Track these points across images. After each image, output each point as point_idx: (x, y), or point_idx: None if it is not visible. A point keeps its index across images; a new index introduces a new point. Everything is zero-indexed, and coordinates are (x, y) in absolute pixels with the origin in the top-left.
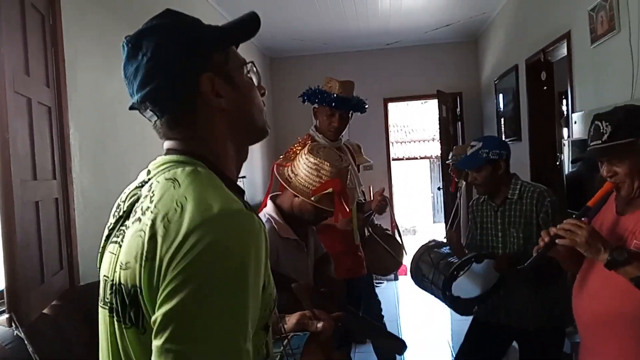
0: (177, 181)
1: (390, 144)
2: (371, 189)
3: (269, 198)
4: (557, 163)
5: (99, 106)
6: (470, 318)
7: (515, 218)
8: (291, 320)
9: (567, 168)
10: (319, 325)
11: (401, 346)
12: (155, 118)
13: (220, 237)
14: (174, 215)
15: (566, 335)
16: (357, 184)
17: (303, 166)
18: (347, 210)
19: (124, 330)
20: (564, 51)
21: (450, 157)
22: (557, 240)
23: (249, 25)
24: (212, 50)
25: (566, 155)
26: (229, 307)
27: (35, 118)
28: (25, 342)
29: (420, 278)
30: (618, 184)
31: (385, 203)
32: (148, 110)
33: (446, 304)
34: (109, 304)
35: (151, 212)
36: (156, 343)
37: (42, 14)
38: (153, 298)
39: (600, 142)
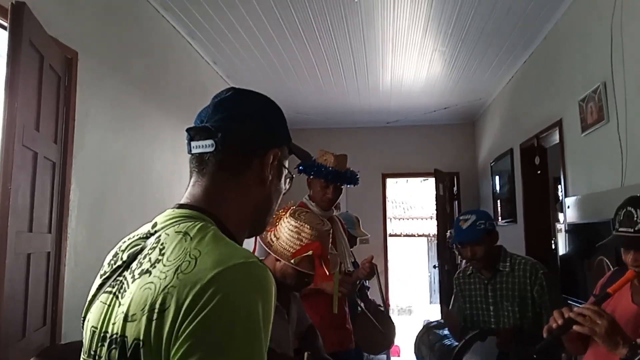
0: (189, 234)
1: (388, 220)
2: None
3: None
4: (553, 247)
5: (103, 165)
6: None
7: (508, 291)
8: None
9: (565, 248)
10: None
11: None
12: (211, 150)
13: (236, 289)
14: (188, 267)
15: None
16: (346, 254)
17: (285, 229)
18: (327, 274)
19: None
20: (556, 138)
21: (448, 234)
22: (575, 327)
23: (304, 154)
24: (287, 140)
25: (561, 239)
26: (246, 357)
27: (39, 172)
28: None
29: (420, 359)
30: None
31: (372, 269)
32: (210, 139)
33: None
34: (95, 358)
35: (163, 264)
36: None
37: (58, 75)
38: (158, 352)
39: (632, 230)
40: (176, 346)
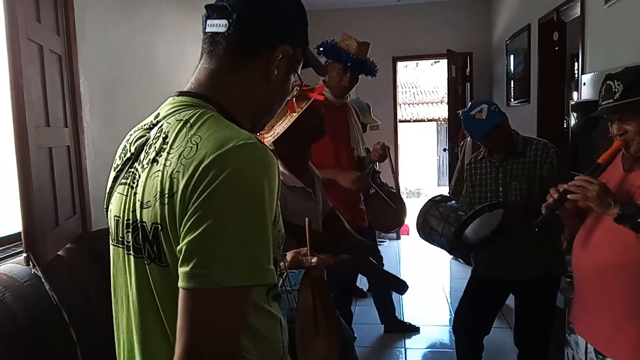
0: (189, 122)
1: (398, 105)
2: None
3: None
4: (565, 126)
5: (108, 56)
6: (469, 275)
7: (518, 171)
8: (286, 258)
9: (575, 126)
10: (313, 260)
11: (403, 285)
12: (224, 30)
13: (237, 167)
14: (190, 152)
15: (560, 291)
16: (360, 140)
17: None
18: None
19: (145, 266)
20: (577, 11)
21: (460, 113)
22: (568, 196)
23: (317, 64)
24: (304, 42)
25: (573, 117)
26: (251, 231)
27: (47, 66)
28: (42, 280)
29: (427, 231)
30: (627, 142)
31: (384, 152)
32: (224, 19)
33: (452, 254)
34: (124, 243)
35: (167, 152)
36: (183, 269)
37: None
38: (175, 232)
39: (612, 100)
40: (185, 219)
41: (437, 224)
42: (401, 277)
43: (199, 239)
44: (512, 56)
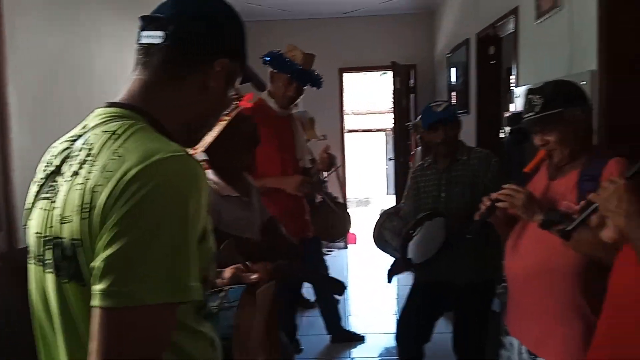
0: (116, 133)
1: (347, 115)
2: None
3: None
4: (502, 136)
5: (40, 65)
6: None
7: (462, 178)
8: (226, 274)
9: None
10: (253, 277)
11: (340, 286)
12: (159, 42)
13: (161, 181)
14: (113, 165)
15: (496, 295)
16: (305, 152)
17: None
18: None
19: (62, 285)
20: (512, 26)
21: (411, 125)
22: (497, 204)
23: (256, 80)
24: (242, 56)
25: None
26: (174, 247)
27: None
28: None
29: (383, 244)
30: (550, 152)
31: (330, 160)
32: (160, 31)
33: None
34: (43, 260)
35: (91, 165)
36: (99, 287)
37: None
38: (93, 249)
39: (533, 113)
40: (104, 234)
41: (391, 238)
42: (347, 285)
43: (117, 255)
44: (453, 69)
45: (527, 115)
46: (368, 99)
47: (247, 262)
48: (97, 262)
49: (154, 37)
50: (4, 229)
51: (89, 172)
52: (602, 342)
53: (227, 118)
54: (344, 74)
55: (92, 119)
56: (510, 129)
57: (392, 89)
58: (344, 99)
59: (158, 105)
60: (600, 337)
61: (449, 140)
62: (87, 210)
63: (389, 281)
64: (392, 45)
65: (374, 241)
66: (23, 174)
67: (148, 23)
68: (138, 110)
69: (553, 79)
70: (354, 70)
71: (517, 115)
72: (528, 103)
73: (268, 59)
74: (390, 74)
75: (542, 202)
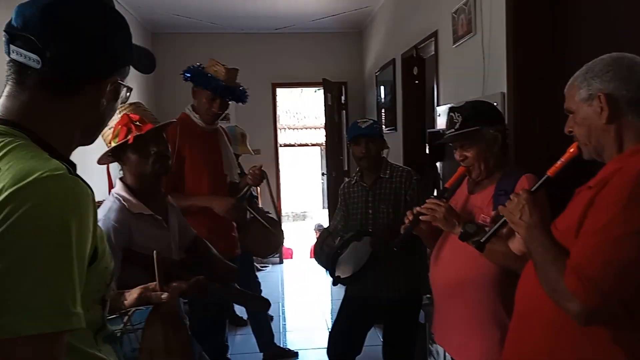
0: None
1: (282, 130)
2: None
3: (118, 179)
4: (427, 151)
5: None
6: None
7: (386, 195)
8: (132, 295)
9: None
10: (163, 296)
11: (264, 303)
12: (36, 67)
13: (38, 203)
14: None
15: (422, 307)
16: (232, 166)
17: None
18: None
19: None
20: (432, 49)
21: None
22: (420, 217)
23: (149, 61)
24: (130, 60)
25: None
26: (53, 274)
27: None
28: None
29: (324, 261)
30: (469, 167)
31: (260, 175)
32: (35, 54)
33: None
34: None
35: None
36: None
37: None
38: None
39: (453, 130)
40: None
41: (327, 256)
42: (285, 305)
43: None
44: (382, 87)
45: (448, 132)
46: (303, 114)
47: (160, 281)
48: None
49: (28, 58)
50: None
51: None
52: (510, 349)
53: (117, 141)
54: (277, 89)
55: None
56: (433, 144)
57: (324, 104)
58: (278, 113)
59: (41, 124)
60: (509, 344)
61: (370, 155)
62: None
63: (334, 284)
64: (324, 62)
65: (315, 257)
66: None
67: (15, 38)
68: (17, 126)
69: (471, 99)
70: (287, 86)
71: (436, 132)
72: (449, 120)
73: (188, 75)
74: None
75: (461, 215)
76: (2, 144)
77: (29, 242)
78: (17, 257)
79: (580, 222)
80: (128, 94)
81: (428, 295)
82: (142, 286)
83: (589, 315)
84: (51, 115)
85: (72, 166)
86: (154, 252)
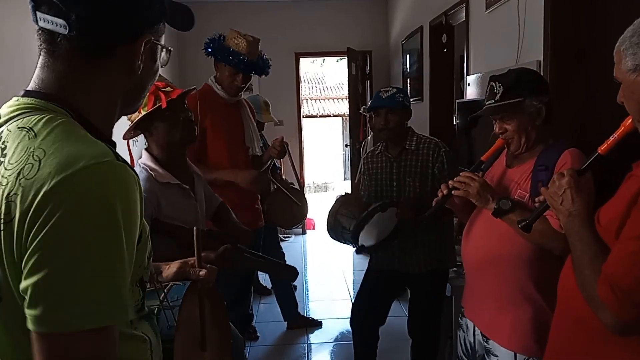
0: (33, 130)
1: (304, 101)
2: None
3: (143, 150)
4: (454, 123)
5: None
6: None
7: (412, 168)
8: (171, 269)
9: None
10: (201, 273)
11: (293, 272)
12: (64, 32)
13: (84, 194)
14: (31, 171)
15: (449, 280)
16: (254, 138)
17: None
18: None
19: None
20: (463, 15)
21: (362, 110)
22: (454, 192)
23: (187, 18)
24: (163, 16)
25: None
26: (107, 266)
27: None
28: None
29: (340, 231)
30: (508, 140)
31: (282, 148)
32: (61, 19)
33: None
34: None
35: (5, 168)
36: (32, 312)
37: None
38: (13, 264)
39: (493, 101)
40: (26, 258)
41: (349, 223)
42: (304, 271)
43: (46, 280)
44: (407, 56)
45: (487, 103)
46: (326, 85)
47: (201, 256)
48: (26, 285)
49: (55, 24)
50: None
51: (3, 177)
52: (551, 348)
53: (146, 110)
54: (300, 59)
55: (6, 111)
56: (470, 116)
57: (348, 74)
58: (303, 84)
59: (77, 94)
60: (550, 343)
61: (389, 127)
62: (4, 222)
63: (358, 252)
64: (348, 31)
65: (328, 229)
66: None
67: (41, 4)
68: (56, 99)
69: (506, 68)
70: (311, 55)
71: (467, 103)
72: (490, 90)
73: (210, 49)
74: (346, 59)
75: (496, 190)
76: (43, 121)
77: (79, 236)
78: (70, 252)
79: (622, 221)
80: (167, 55)
81: (455, 269)
82: (181, 260)
83: (623, 328)
84: (89, 84)
85: (113, 145)
86: (194, 228)
